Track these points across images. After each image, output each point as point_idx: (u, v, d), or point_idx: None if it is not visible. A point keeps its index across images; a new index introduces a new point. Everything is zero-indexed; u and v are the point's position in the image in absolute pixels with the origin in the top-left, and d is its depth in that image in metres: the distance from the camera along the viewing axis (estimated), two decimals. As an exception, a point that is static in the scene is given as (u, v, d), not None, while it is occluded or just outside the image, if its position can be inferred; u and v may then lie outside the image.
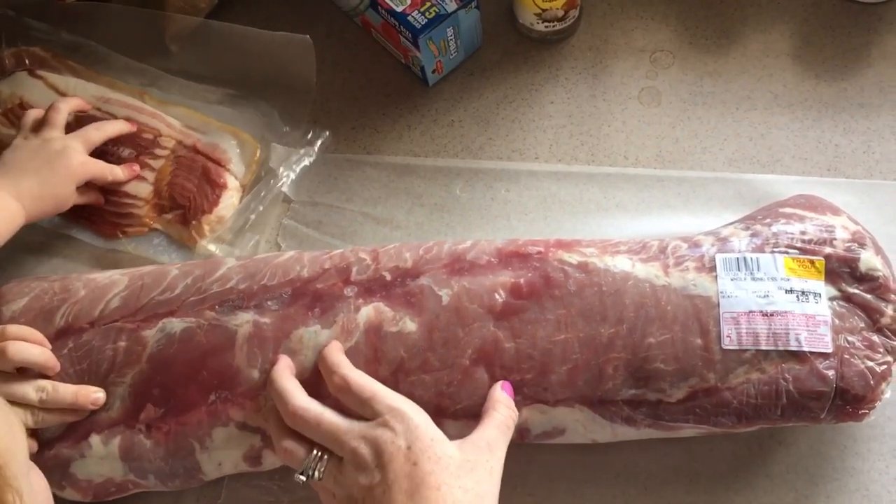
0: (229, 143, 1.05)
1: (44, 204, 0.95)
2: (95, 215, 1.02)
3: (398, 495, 0.68)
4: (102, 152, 1.02)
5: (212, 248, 0.99)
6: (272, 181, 1.03)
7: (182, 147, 1.04)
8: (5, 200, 0.92)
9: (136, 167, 1.02)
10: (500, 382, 0.78)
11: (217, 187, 1.01)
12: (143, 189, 1.02)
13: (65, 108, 1.01)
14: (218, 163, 1.03)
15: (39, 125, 1.00)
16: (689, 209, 0.98)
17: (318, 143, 1.06)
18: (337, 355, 0.78)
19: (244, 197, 1.03)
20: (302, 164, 1.05)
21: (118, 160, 1.02)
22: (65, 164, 0.96)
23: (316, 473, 0.72)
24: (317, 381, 0.79)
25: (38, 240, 1.02)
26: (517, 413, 0.77)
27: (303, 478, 0.73)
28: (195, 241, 1.00)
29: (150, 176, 1.02)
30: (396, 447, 0.70)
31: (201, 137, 1.05)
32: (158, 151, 1.03)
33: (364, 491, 0.69)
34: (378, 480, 0.69)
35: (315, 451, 0.73)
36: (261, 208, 1.02)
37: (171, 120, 1.06)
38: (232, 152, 1.04)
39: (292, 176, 1.04)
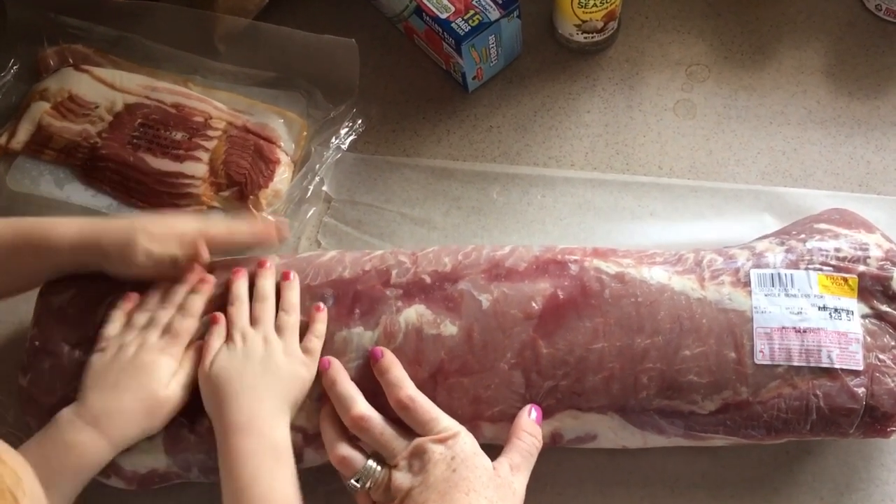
0: (277, 122, 1.08)
1: (140, 426, 0.81)
2: (154, 197, 1.04)
3: (433, 495, 0.73)
4: (155, 136, 1.05)
5: (271, 220, 1.01)
6: (324, 153, 1.06)
7: (233, 128, 1.06)
8: (81, 435, 0.78)
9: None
10: (528, 407, 0.81)
11: (271, 163, 1.04)
12: (199, 169, 1.04)
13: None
14: (269, 140, 1.06)
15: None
16: (721, 220, 1.00)
17: (360, 120, 1.09)
18: (400, 370, 0.81)
19: (296, 172, 1.06)
20: (351, 138, 1.08)
21: (172, 143, 1.04)
22: (150, 382, 0.81)
23: (369, 483, 0.77)
24: (359, 383, 0.82)
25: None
26: (541, 441, 0.80)
27: (357, 485, 0.78)
28: (253, 216, 1.02)
29: (205, 156, 1.04)
30: (443, 457, 0.75)
31: (250, 118, 1.07)
32: (210, 133, 1.05)
33: (404, 493, 0.74)
34: (419, 482, 0.74)
35: (370, 462, 0.78)
36: (317, 179, 1.05)
37: (219, 104, 1.08)
38: (280, 130, 1.07)
39: (343, 147, 1.08)
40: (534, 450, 0.79)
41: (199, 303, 0.87)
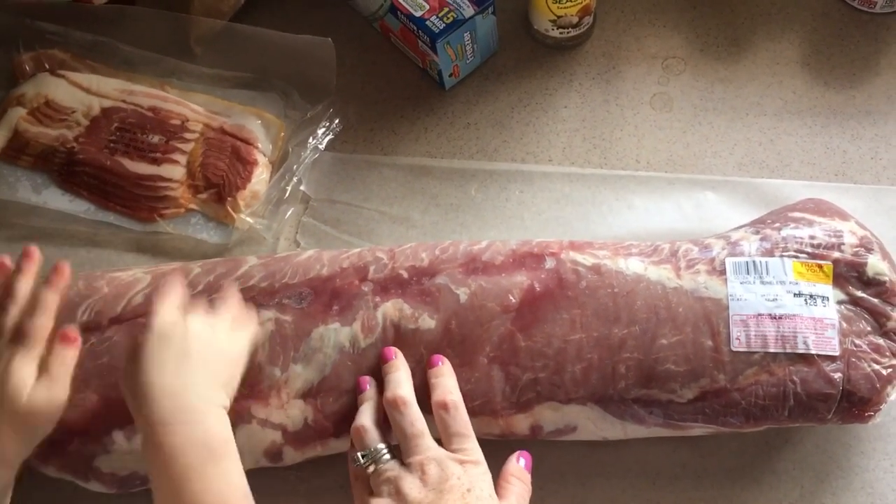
0: (254, 124, 1.07)
1: (21, 443, 0.75)
2: (132, 201, 1.04)
3: None
4: (132, 140, 1.04)
5: (250, 221, 1.02)
6: (302, 154, 1.06)
7: (210, 129, 1.06)
8: None
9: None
10: (517, 454, 0.80)
11: (248, 164, 1.04)
12: (177, 171, 1.04)
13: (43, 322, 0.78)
14: (246, 141, 1.06)
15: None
16: (699, 212, 1.00)
17: (338, 120, 1.09)
18: (452, 379, 0.81)
19: (274, 173, 1.06)
20: (329, 138, 1.08)
21: (149, 147, 1.04)
22: (6, 399, 0.73)
23: (371, 467, 0.76)
24: (338, 382, 0.82)
25: (78, 228, 1.04)
26: (530, 487, 0.78)
27: (361, 461, 0.76)
28: (232, 217, 1.02)
29: (182, 159, 1.04)
30: (459, 483, 0.73)
31: (227, 120, 1.07)
32: (187, 135, 1.05)
33: (407, 502, 0.72)
34: (430, 501, 0.71)
35: (381, 445, 0.77)
36: (294, 180, 1.05)
37: (195, 106, 1.08)
38: (258, 131, 1.07)
39: (321, 147, 1.07)
40: (526, 494, 0.77)
41: (50, 297, 0.79)
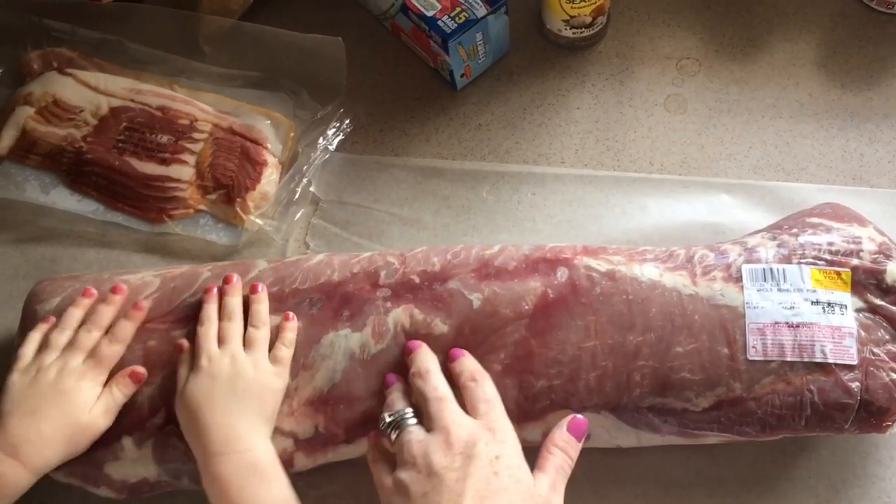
0: (264, 124, 1.07)
1: (62, 453, 0.81)
2: (140, 202, 1.03)
3: (469, 492, 0.68)
4: (140, 140, 1.04)
5: (259, 222, 1.01)
6: (312, 154, 1.05)
7: (219, 130, 1.06)
8: (1, 466, 0.78)
9: None
10: (569, 419, 0.78)
11: (258, 165, 1.03)
12: (186, 172, 1.03)
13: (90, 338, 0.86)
14: (255, 142, 1.05)
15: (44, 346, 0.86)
16: (713, 216, 0.99)
17: (348, 120, 1.08)
18: (477, 364, 0.80)
19: (284, 174, 1.05)
20: (339, 138, 1.07)
21: (157, 146, 1.03)
22: (72, 409, 0.81)
23: (395, 434, 0.75)
24: (348, 388, 0.81)
25: (86, 229, 1.04)
26: (574, 456, 0.77)
27: (388, 419, 0.76)
28: (241, 218, 1.01)
29: (191, 159, 1.04)
30: (487, 450, 0.71)
31: (236, 120, 1.07)
32: (196, 135, 1.05)
33: (432, 468, 0.70)
34: (457, 466, 0.70)
35: (409, 409, 0.77)
36: (304, 181, 1.04)
37: (204, 105, 1.08)
38: (267, 131, 1.06)
39: (331, 148, 1.06)
40: (567, 467, 0.76)
41: (129, 329, 0.86)
